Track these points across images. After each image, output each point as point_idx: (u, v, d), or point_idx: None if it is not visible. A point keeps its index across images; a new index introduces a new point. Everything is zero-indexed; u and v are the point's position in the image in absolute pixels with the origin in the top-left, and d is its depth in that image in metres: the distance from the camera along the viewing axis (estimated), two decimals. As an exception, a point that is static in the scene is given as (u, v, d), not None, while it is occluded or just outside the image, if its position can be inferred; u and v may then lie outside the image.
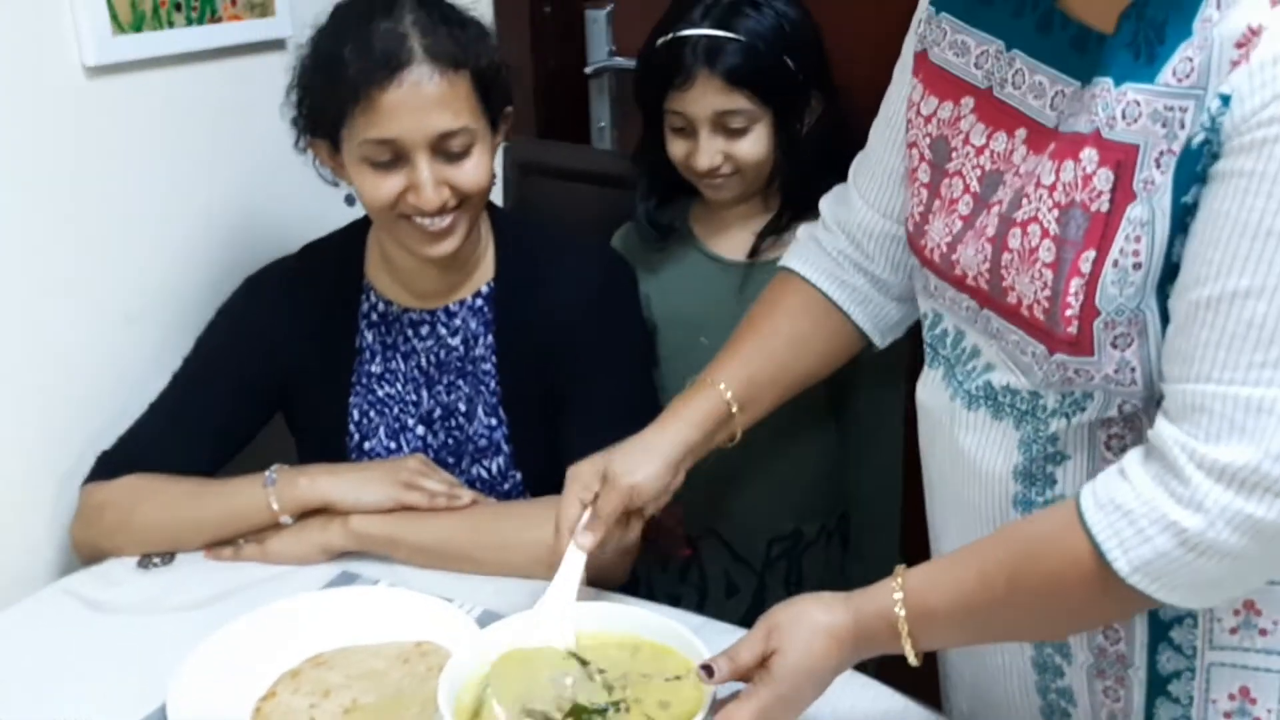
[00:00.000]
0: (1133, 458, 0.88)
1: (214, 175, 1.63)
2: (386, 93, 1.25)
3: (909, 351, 1.41)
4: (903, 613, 0.94)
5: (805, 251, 1.26)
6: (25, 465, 1.44)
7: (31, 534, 1.45)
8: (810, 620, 0.96)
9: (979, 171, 1.01)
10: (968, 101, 1.02)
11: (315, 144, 1.36)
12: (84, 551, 1.41)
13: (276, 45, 1.70)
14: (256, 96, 1.66)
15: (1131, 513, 0.85)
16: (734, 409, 1.19)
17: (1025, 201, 0.94)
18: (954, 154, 1.03)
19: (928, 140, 1.07)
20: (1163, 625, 0.98)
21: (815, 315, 1.23)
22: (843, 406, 1.52)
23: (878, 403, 1.51)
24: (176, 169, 1.57)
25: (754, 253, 1.50)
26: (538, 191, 1.80)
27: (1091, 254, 0.89)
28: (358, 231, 1.49)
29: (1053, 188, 0.92)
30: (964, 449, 1.05)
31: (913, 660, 0.96)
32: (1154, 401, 0.91)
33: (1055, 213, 0.91)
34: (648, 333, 1.52)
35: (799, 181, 1.45)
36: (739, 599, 1.58)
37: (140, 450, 1.43)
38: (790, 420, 1.41)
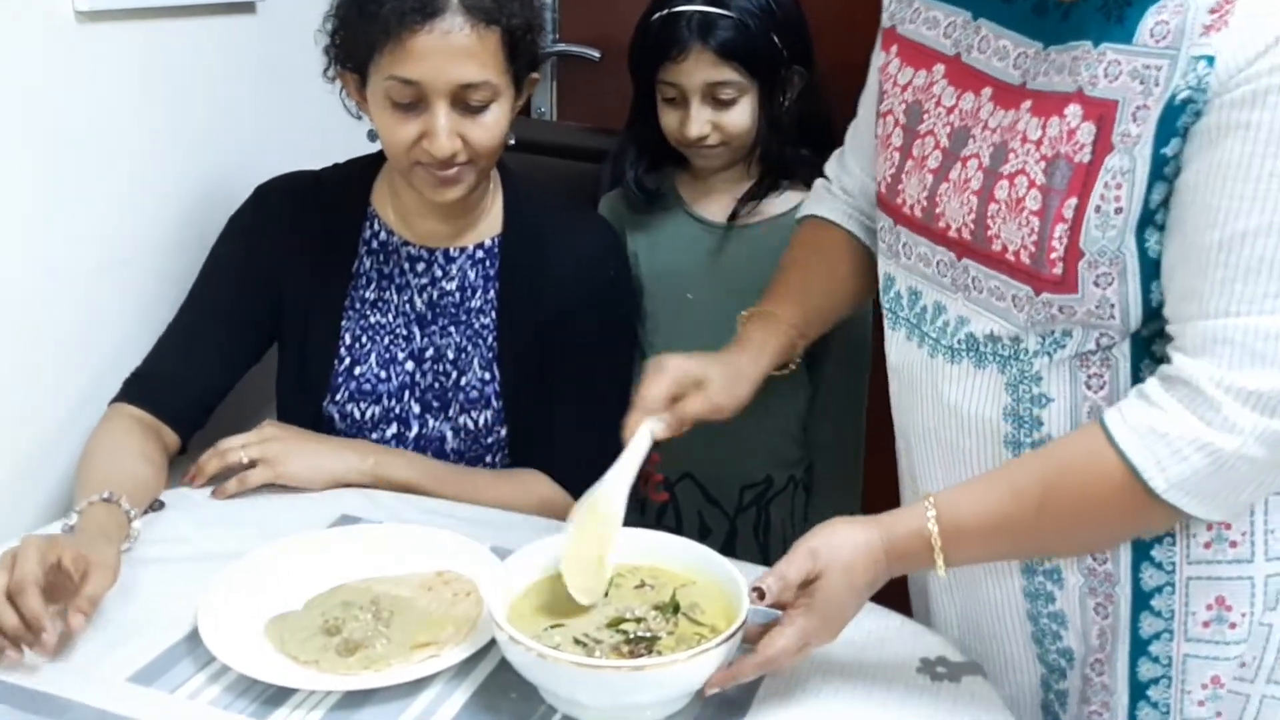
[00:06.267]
0: (1154, 387, 0.97)
1: (193, 127, 1.62)
2: (417, 36, 1.29)
3: (875, 319, 1.52)
4: (936, 529, 1.02)
5: (826, 199, 1.35)
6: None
7: (12, 485, 1.42)
8: (851, 541, 1.03)
9: (949, 129, 1.10)
10: (939, 68, 1.13)
11: (344, 75, 1.39)
12: None
13: (247, 8, 1.72)
14: (230, 56, 1.69)
15: (1167, 435, 0.94)
16: (798, 340, 1.28)
17: (1011, 156, 1.04)
18: (926, 116, 1.13)
19: (903, 106, 1.16)
20: (1144, 545, 1.08)
21: (850, 254, 1.33)
22: (815, 364, 1.62)
23: (845, 363, 1.62)
24: (157, 119, 1.56)
25: (734, 216, 1.59)
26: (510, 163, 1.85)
27: (1074, 201, 0.99)
28: (372, 161, 1.53)
29: (1039, 142, 1.01)
30: (950, 401, 1.13)
31: (942, 575, 1.04)
32: (1129, 337, 1.02)
33: (1042, 164, 1.01)
34: (637, 302, 1.60)
35: (778, 152, 1.56)
36: (711, 540, 1.63)
37: (165, 366, 1.45)
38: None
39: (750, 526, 1.67)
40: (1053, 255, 1.00)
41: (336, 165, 1.55)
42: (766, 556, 1.67)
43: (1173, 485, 0.95)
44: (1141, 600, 1.09)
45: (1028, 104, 1.03)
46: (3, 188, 1.37)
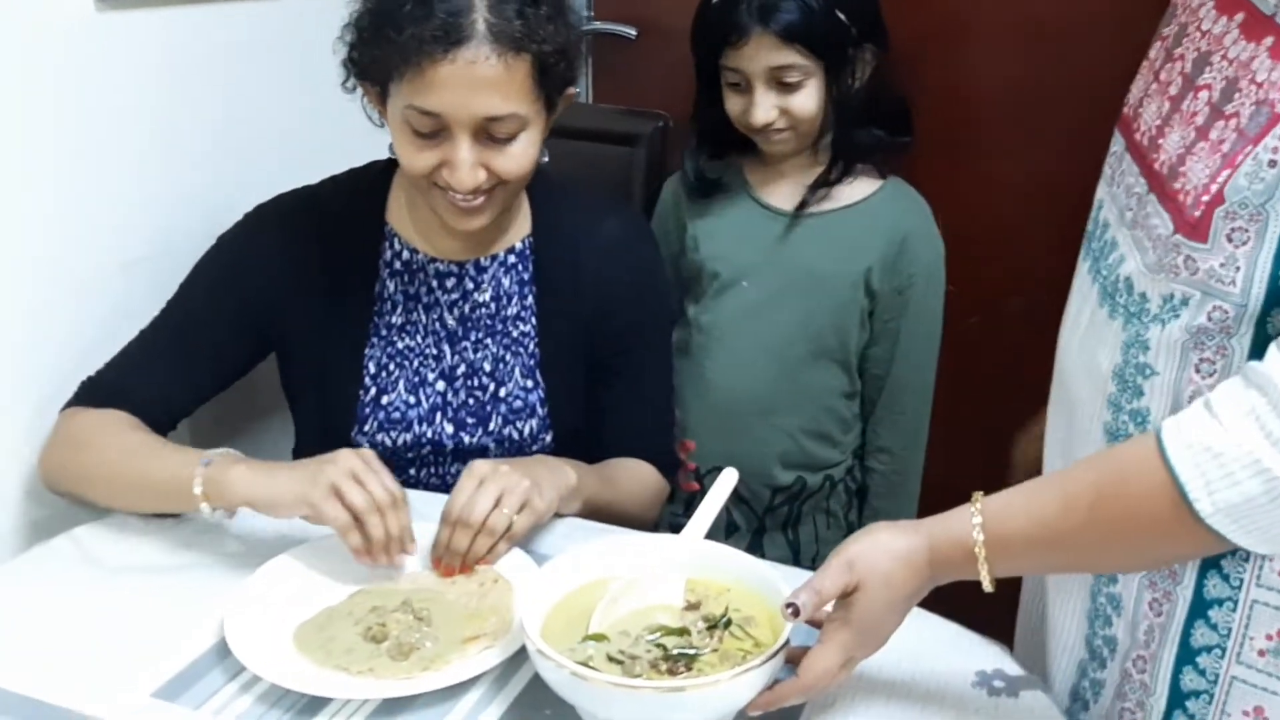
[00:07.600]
0: (1224, 392, 0.87)
1: (217, 118, 1.59)
2: (439, 66, 1.19)
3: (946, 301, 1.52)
4: (981, 537, 0.95)
5: None
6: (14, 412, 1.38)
7: (33, 487, 1.39)
8: (889, 549, 0.97)
9: (1195, 53, 1.01)
10: None
11: (365, 86, 1.32)
12: (48, 481, 1.35)
13: (277, -10, 1.67)
14: (259, 41, 1.64)
15: (1221, 455, 0.84)
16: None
17: (1236, 95, 0.93)
18: (1186, 39, 1.04)
19: (1175, 28, 1.07)
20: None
21: None
22: (876, 367, 1.57)
23: (911, 364, 1.56)
24: (181, 110, 1.53)
25: (803, 204, 1.53)
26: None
27: (1251, 149, 0.88)
28: (380, 173, 1.45)
29: (1262, 84, 0.91)
30: (1087, 344, 1.06)
31: (988, 587, 0.97)
32: (1252, 326, 0.92)
33: (1253, 108, 0.90)
34: (672, 293, 1.55)
35: (848, 136, 1.50)
36: (738, 537, 1.62)
37: (126, 376, 1.37)
38: (806, 371, 1.46)
39: (779, 524, 1.63)
40: (1204, 198, 0.91)
41: (336, 180, 1.45)
42: (796, 551, 1.63)
43: (1219, 510, 0.85)
44: (1199, 608, 1.01)
45: (1269, 41, 0.92)
46: (23, 181, 1.34)
